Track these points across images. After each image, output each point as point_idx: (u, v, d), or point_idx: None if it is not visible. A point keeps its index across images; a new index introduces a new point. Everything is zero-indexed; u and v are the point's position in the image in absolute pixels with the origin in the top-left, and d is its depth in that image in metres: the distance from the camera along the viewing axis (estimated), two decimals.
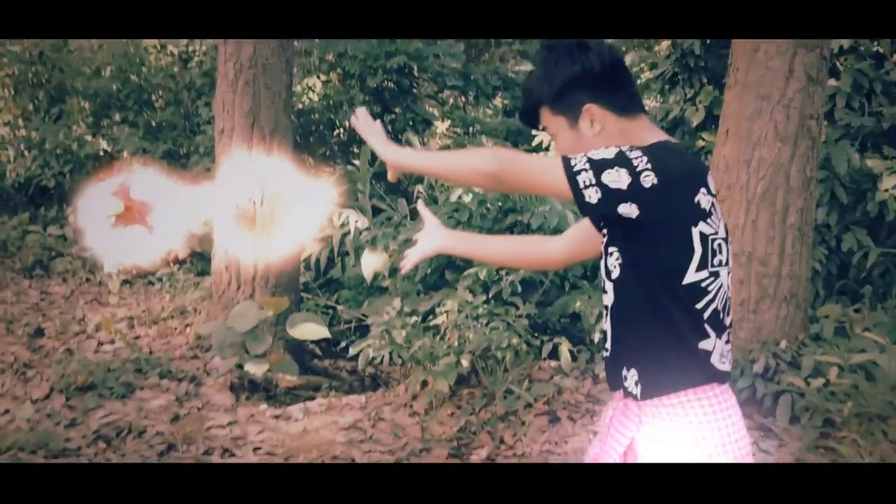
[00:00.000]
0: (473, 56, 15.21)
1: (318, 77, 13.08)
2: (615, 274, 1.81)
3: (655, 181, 1.65)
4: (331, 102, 12.72)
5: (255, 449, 3.99)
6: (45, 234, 8.74)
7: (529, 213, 5.22)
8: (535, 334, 4.80)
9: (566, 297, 5.38)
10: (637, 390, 1.80)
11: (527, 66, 15.93)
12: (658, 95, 7.96)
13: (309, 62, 13.01)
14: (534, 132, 9.49)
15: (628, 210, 1.66)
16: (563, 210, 5.12)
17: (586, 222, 2.10)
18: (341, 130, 12.90)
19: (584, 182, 1.66)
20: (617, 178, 1.65)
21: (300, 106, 13.08)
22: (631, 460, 1.87)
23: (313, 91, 12.76)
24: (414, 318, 4.88)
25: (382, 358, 4.57)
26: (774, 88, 4.28)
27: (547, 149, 9.17)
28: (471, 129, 14.13)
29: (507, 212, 5.43)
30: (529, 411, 4.34)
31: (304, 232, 3.00)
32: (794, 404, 4.03)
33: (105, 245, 3.30)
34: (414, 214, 6.24)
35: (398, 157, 1.92)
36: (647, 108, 8.69)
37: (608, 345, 1.90)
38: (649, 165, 1.66)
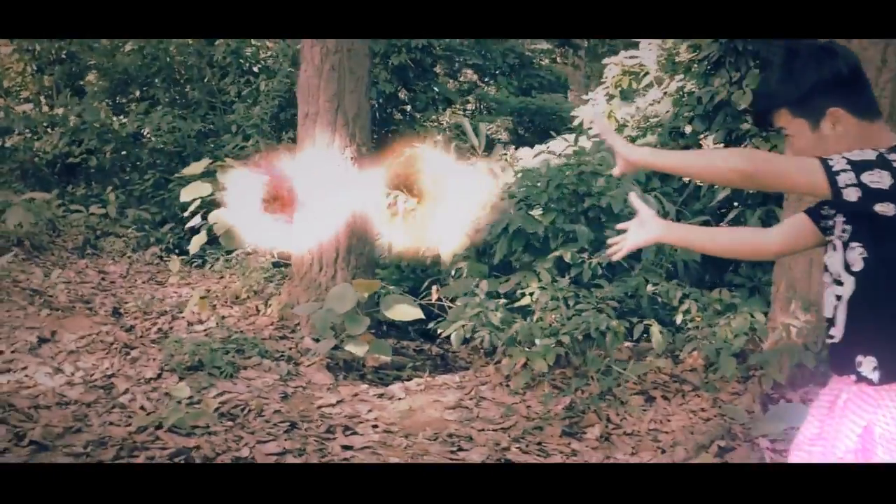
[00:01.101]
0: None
1: None
2: (857, 267, 1.96)
3: None
4: None
5: (374, 426, 4.14)
6: (88, 214, 8.77)
7: (607, 197, 5.36)
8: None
9: (634, 279, 5.54)
10: (875, 375, 1.96)
11: (542, 45, 15.99)
12: (696, 80, 8.05)
13: None
14: (573, 113, 9.62)
15: (885, 209, 1.81)
16: (642, 195, 5.27)
17: (801, 217, 2.25)
18: None
19: (845, 182, 1.80)
20: (878, 179, 1.79)
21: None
22: (866, 442, 2.02)
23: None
24: (503, 301, 5.03)
25: (482, 339, 4.71)
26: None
27: (580, 131, 9.30)
28: (482, 105, 14.19)
29: (582, 196, 5.57)
30: (624, 391, 4.51)
31: (459, 221, 3.12)
32: None
33: (254, 230, 3.43)
34: None
35: (643, 156, 2.05)
36: (683, 90, 8.70)
37: (835, 332, 2.04)
38: None
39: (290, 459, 3.68)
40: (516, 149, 8.75)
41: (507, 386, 4.66)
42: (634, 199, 2.43)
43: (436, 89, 12.96)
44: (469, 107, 13.91)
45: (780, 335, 4.78)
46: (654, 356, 4.76)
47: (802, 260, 4.75)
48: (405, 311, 4.93)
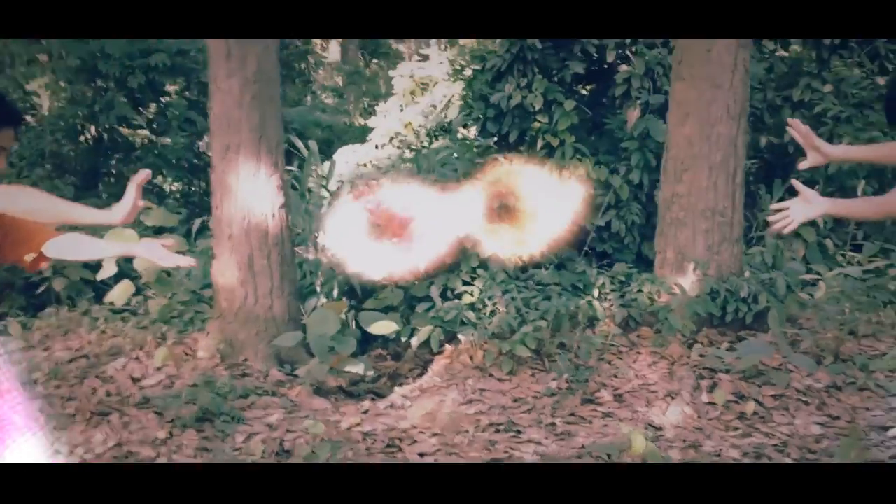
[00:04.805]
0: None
1: (61, 81, 12.13)
2: None
3: None
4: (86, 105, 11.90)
5: (420, 433, 4.36)
6: None
7: None
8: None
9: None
10: None
11: None
12: (484, 87, 8.94)
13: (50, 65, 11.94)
14: (369, 123, 10.04)
15: None
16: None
17: None
18: (88, 135, 12.20)
19: None
20: None
21: (45, 112, 12.14)
22: None
23: (63, 93, 11.85)
24: (456, 301, 5.45)
25: (473, 337, 5.08)
26: (724, 79, 5.59)
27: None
28: None
29: None
30: (592, 359, 5.19)
31: (556, 231, 3.53)
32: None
33: (365, 258, 3.60)
34: None
35: (842, 151, 2.77)
36: (469, 97, 9.53)
37: None
38: None
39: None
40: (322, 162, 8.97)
41: (491, 375, 5.10)
42: (796, 182, 3.11)
43: (176, 110, 12.53)
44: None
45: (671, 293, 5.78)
46: (600, 325, 5.51)
47: (686, 230, 5.81)
48: (385, 325, 5.12)
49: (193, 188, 13.42)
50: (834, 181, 8.00)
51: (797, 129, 2.79)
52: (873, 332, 5.71)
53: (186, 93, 13.39)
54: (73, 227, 2.77)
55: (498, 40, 8.79)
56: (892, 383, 4.87)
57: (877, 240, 7.46)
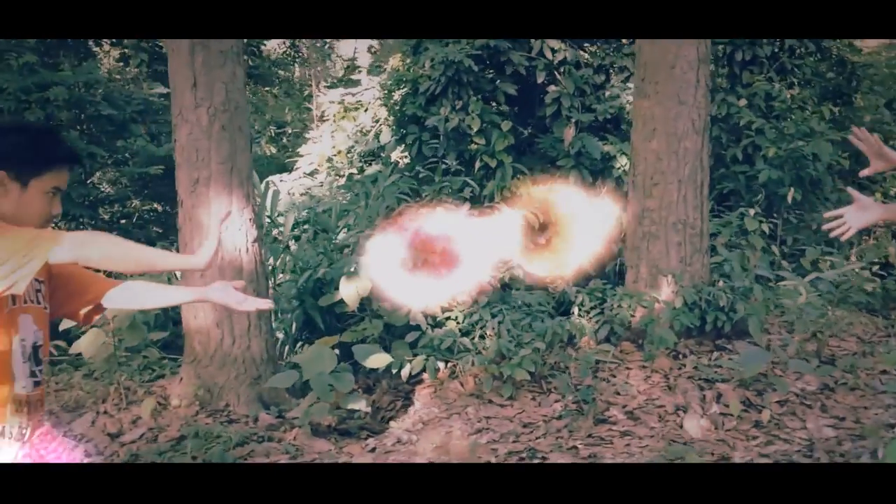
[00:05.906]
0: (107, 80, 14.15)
1: None
2: None
3: None
4: None
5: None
6: None
7: None
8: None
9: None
10: None
11: (160, 89, 15.30)
12: (417, 110, 8.85)
13: None
14: (300, 150, 9.71)
15: None
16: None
17: None
18: None
19: None
20: None
21: None
22: None
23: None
24: (445, 328, 5.29)
25: (470, 363, 4.92)
26: (689, 95, 5.71)
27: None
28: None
29: None
30: (589, 377, 5.14)
31: (586, 255, 3.46)
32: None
33: (406, 291, 3.45)
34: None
35: None
36: (402, 120, 9.41)
37: None
38: None
39: None
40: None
41: (490, 402, 4.97)
42: (852, 190, 3.15)
43: (76, 144, 11.82)
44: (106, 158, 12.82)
45: (650, 307, 5.83)
46: (587, 343, 5.48)
47: (658, 243, 5.88)
48: (380, 358, 4.90)
49: (83, 225, 12.57)
50: (764, 189, 8.34)
51: (863, 138, 2.82)
52: (836, 333, 5.94)
53: (80, 126, 12.71)
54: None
55: (428, 64, 8.72)
56: (874, 381, 5.06)
57: (810, 244, 7.80)
